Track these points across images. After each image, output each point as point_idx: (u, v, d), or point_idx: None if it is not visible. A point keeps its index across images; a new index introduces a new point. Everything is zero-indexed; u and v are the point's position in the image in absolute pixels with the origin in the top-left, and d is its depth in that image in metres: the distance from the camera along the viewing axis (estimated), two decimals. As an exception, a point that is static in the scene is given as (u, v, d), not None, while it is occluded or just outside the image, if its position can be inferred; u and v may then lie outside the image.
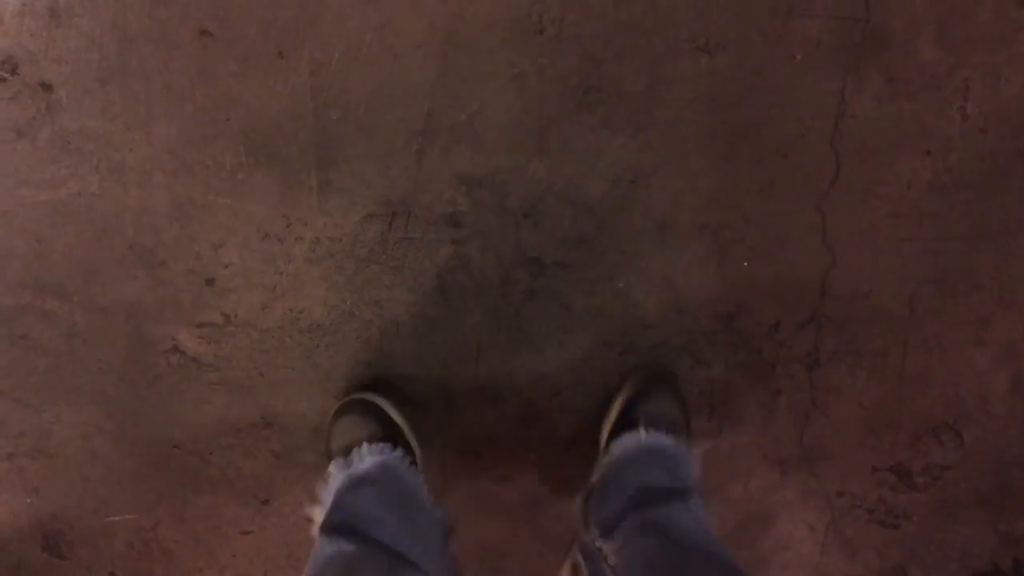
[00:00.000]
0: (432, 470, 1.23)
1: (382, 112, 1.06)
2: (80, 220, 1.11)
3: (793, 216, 1.13)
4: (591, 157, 1.10)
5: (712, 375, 1.24)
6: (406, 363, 1.21)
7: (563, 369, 1.23)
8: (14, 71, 1.02)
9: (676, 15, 1.01)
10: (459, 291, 1.18)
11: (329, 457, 1.16)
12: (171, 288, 1.16)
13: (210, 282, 1.16)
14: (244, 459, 1.28)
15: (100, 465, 1.29)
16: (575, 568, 1.14)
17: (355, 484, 1.05)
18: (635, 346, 1.21)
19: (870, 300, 1.18)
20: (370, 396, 1.18)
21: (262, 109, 1.06)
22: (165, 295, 1.16)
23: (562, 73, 1.05)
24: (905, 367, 1.23)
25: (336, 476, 1.09)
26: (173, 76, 1.03)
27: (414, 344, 1.20)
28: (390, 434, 1.16)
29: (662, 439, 1.11)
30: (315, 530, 1.02)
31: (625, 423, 1.16)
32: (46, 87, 1.03)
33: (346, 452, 1.11)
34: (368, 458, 1.09)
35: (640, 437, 1.11)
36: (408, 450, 1.15)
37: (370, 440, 1.12)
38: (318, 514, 1.05)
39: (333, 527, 0.98)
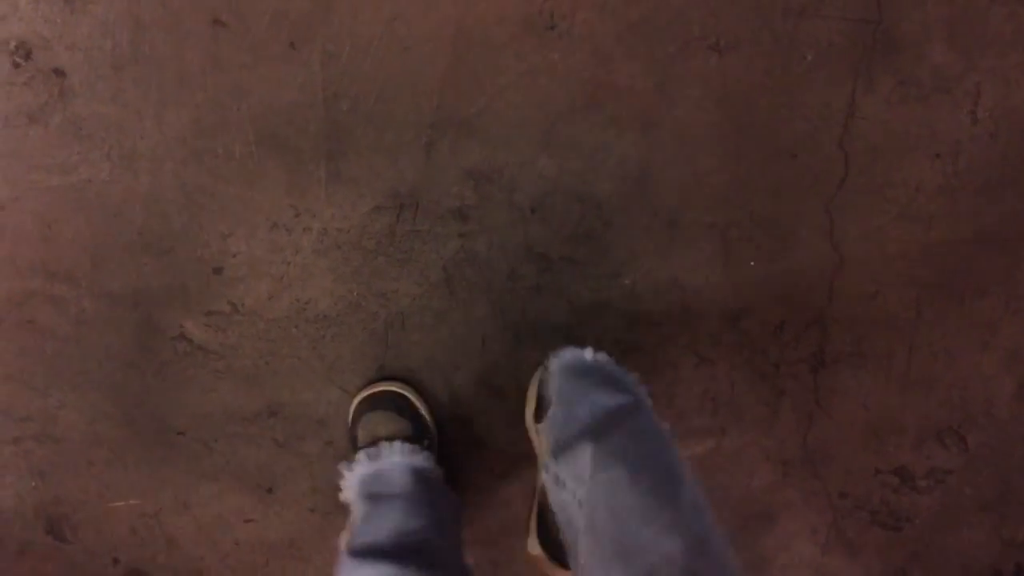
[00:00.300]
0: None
1: (392, 105, 1.07)
2: (90, 206, 1.12)
3: (801, 217, 1.13)
4: (599, 154, 1.10)
5: (716, 374, 1.24)
6: (411, 355, 1.22)
7: (567, 365, 1.24)
8: (28, 57, 1.03)
9: (687, 14, 1.01)
10: (465, 285, 1.18)
11: (354, 442, 1.18)
12: (179, 276, 1.16)
13: (218, 271, 1.16)
14: (248, 447, 1.28)
15: (105, 450, 1.29)
16: (543, 492, 1.15)
17: (382, 498, 1.06)
18: (640, 343, 1.21)
19: (876, 302, 1.18)
20: (398, 387, 1.20)
21: (273, 99, 1.06)
22: (173, 283, 1.17)
23: (572, 69, 1.05)
24: (910, 370, 1.23)
25: (363, 463, 1.09)
26: (185, 65, 1.04)
27: (420, 337, 1.21)
28: (417, 428, 1.18)
29: (604, 357, 1.08)
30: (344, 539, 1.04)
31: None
32: (59, 73, 1.04)
33: (374, 443, 1.13)
34: (397, 458, 1.10)
35: (584, 354, 1.08)
36: (430, 440, 1.19)
37: (399, 437, 1.14)
38: (351, 496, 1.08)
39: (364, 550, 0.98)
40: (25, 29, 1.01)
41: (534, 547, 1.20)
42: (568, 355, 1.09)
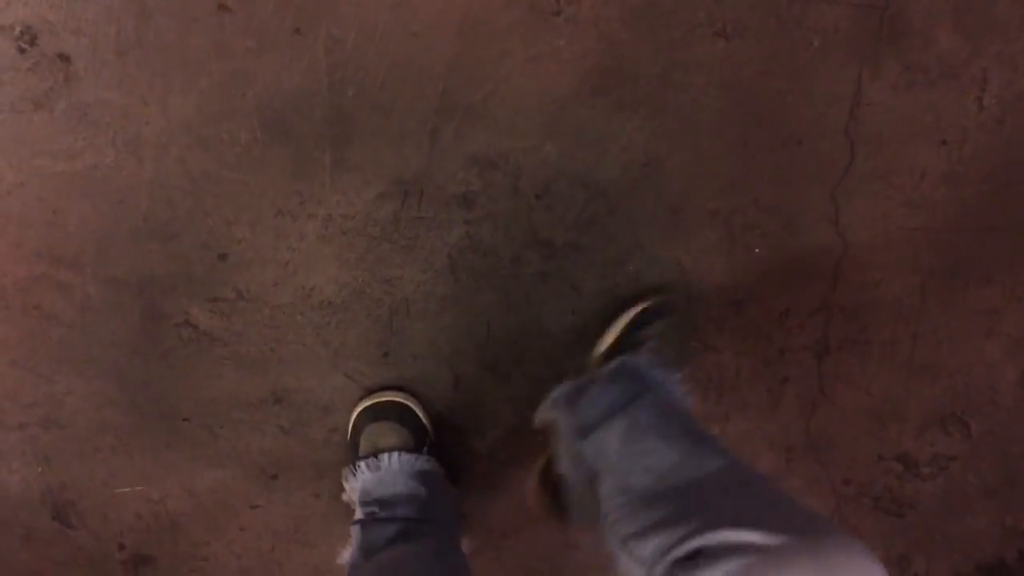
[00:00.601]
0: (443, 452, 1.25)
1: (397, 91, 1.07)
2: (95, 192, 1.12)
3: (806, 203, 1.13)
4: (605, 140, 1.10)
5: (721, 360, 1.24)
6: (416, 342, 1.22)
7: (573, 352, 1.24)
8: (33, 42, 1.03)
9: (694, -1, 1.01)
10: (470, 271, 1.18)
11: (355, 451, 1.20)
12: (184, 262, 1.16)
13: (223, 257, 1.17)
14: (253, 434, 1.29)
15: (111, 436, 1.30)
16: (545, 470, 1.17)
17: (383, 504, 1.09)
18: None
19: (881, 289, 1.18)
20: (400, 397, 1.22)
21: (278, 85, 1.06)
22: (178, 269, 1.17)
23: (578, 55, 1.05)
24: (914, 357, 1.23)
25: (364, 473, 1.13)
26: (190, 51, 1.04)
27: (424, 323, 1.21)
28: (417, 436, 1.20)
29: (659, 371, 1.09)
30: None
31: (629, 339, 1.16)
32: (64, 58, 1.04)
33: (375, 454, 1.15)
34: (397, 468, 1.13)
35: (639, 362, 1.09)
36: (429, 443, 1.21)
37: (400, 448, 1.16)
38: (354, 499, 1.13)
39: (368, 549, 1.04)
40: (30, 14, 1.01)
41: (533, 483, 1.23)
42: (626, 363, 1.10)
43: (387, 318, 1.21)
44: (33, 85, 1.05)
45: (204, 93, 1.06)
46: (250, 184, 1.12)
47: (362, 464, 1.14)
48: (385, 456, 1.14)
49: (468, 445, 1.32)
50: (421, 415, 1.23)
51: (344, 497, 1.18)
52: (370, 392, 1.24)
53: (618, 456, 0.94)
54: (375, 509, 1.08)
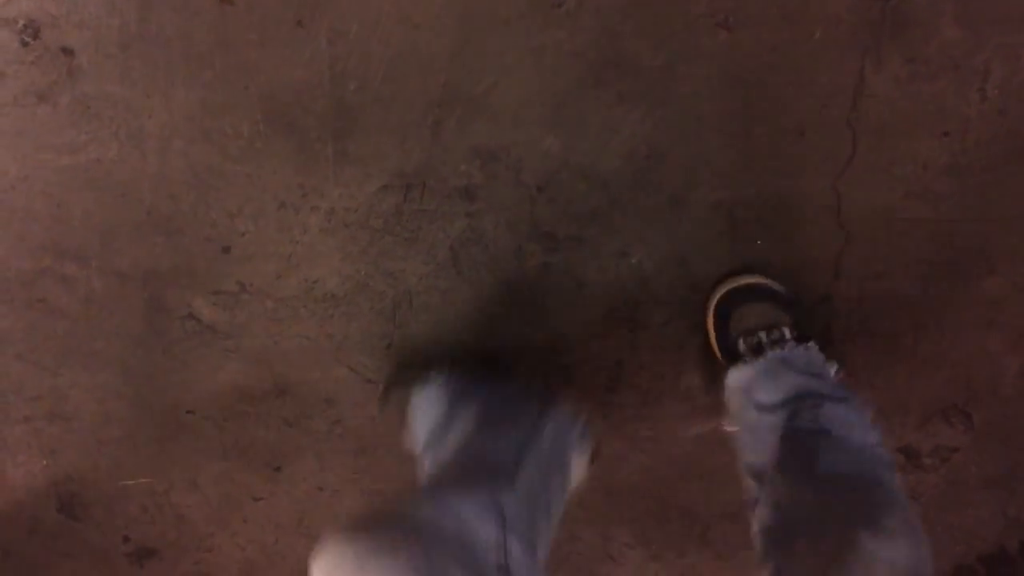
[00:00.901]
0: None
1: (399, 83, 1.07)
2: (99, 185, 1.12)
3: (808, 195, 1.13)
4: (607, 132, 1.10)
5: (723, 353, 1.24)
6: (418, 334, 1.22)
7: (574, 344, 1.24)
8: (36, 35, 1.03)
9: (696, -10, 1.01)
10: (472, 264, 1.18)
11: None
12: (188, 255, 1.17)
13: (226, 250, 1.17)
14: (257, 426, 1.29)
15: (115, 429, 1.30)
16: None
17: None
18: (647, 322, 1.22)
19: (883, 281, 1.18)
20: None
21: (280, 78, 1.06)
22: (181, 262, 1.17)
23: (579, 47, 1.05)
24: (917, 348, 1.23)
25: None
26: (193, 43, 1.04)
27: (427, 316, 1.21)
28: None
29: (767, 358, 1.09)
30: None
31: (726, 345, 1.16)
32: (67, 52, 1.04)
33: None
34: None
35: (740, 371, 1.10)
36: None
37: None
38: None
39: None
40: (33, 7, 1.01)
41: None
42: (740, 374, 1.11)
43: (390, 310, 1.21)
44: (36, 79, 1.05)
45: (207, 86, 1.06)
46: (253, 177, 1.12)
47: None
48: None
49: (471, 437, 1.32)
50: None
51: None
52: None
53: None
54: None
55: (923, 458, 1.32)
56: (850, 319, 1.21)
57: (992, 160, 1.10)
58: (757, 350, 1.10)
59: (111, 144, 1.09)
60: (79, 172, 1.11)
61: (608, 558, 1.43)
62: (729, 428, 1.15)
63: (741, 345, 1.12)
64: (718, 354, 1.19)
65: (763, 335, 1.11)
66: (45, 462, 1.34)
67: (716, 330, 1.17)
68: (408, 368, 1.20)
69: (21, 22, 1.02)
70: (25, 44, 1.03)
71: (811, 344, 1.10)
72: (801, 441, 0.99)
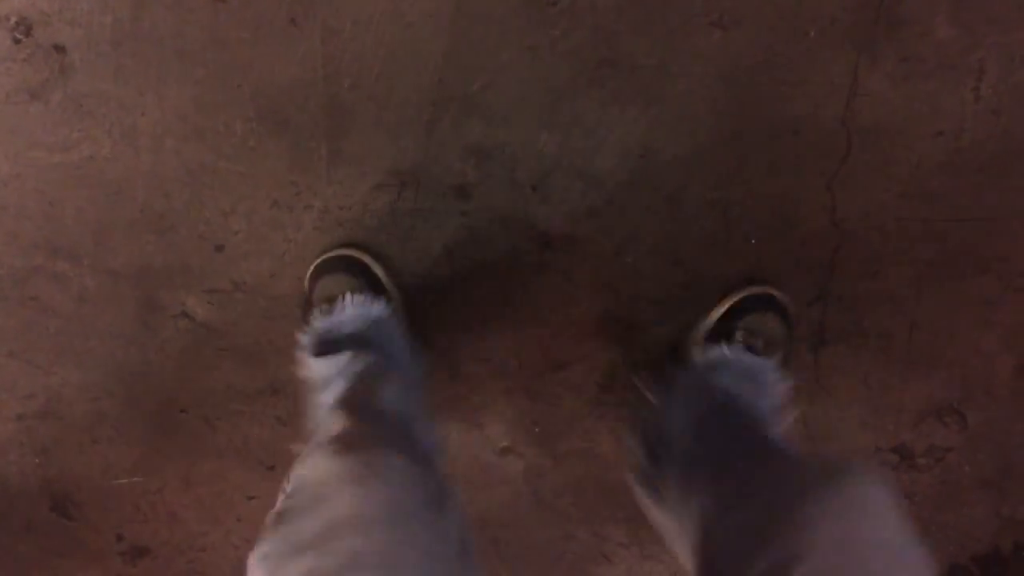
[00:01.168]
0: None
1: (393, 81, 1.06)
2: (92, 183, 1.12)
3: (802, 194, 1.12)
4: (601, 131, 1.09)
5: (717, 352, 1.24)
6: (413, 333, 1.22)
7: (569, 343, 1.24)
8: (28, 33, 1.03)
9: (690, -11, 1.01)
10: (466, 263, 1.18)
11: (308, 308, 1.13)
12: (181, 253, 1.17)
13: (219, 248, 1.17)
14: (250, 425, 1.29)
15: (108, 427, 1.30)
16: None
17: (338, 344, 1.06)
18: (641, 321, 1.22)
19: (877, 280, 1.18)
20: (353, 252, 1.15)
21: (273, 76, 1.06)
22: (175, 260, 1.17)
23: (574, 46, 1.04)
24: (911, 348, 1.23)
25: (318, 319, 1.07)
26: (185, 41, 1.04)
27: (421, 314, 1.21)
28: (374, 287, 1.14)
29: (753, 359, 1.09)
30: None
31: (722, 330, 1.14)
32: (59, 49, 1.04)
33: (330, 301, 1.09)
34: (351, 310, 1.08)
35: (724, 350, 1.09)
36: (388, 299, 1.14)
37: (354, 291, 1.10)
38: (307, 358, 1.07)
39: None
40: (25, 4, 1.01)
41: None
42: (712, 353, 1.10)
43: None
44: (28, 76, 1.05)
45: (200, 84, 1.06)
46: (246, 175, 1.12)
47: (315, 311, 1.08)
48: (339, 299, 1.08)
49: (464, 436, 1.32)
50: (380, 274, 1.16)
51: (301, 372, 1.09)
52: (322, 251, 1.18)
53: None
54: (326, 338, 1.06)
55: (917, 458, 1.32)
56: (844, 318, 1.21)
57: (986, 159, 1.10)
58: (748, 349, 1.10)
59: (104, 142, 1.09)
60: (71, 170, 1.11)
61: (602, 557, 1.43)
62: (646, 391, 1.17)
63: (737, 335, 1.11)
64: (701, 333, 1.18)
65: (761, 343, 1.11)
66: (38, 460, 1.33)
67: (728, 310, 1.15)
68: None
69: (13, 19, 1.02)
70: (17, 41, 1.03)
71: (787, 379, 1.12)
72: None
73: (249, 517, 1.37)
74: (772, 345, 1.12)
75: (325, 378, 1.02)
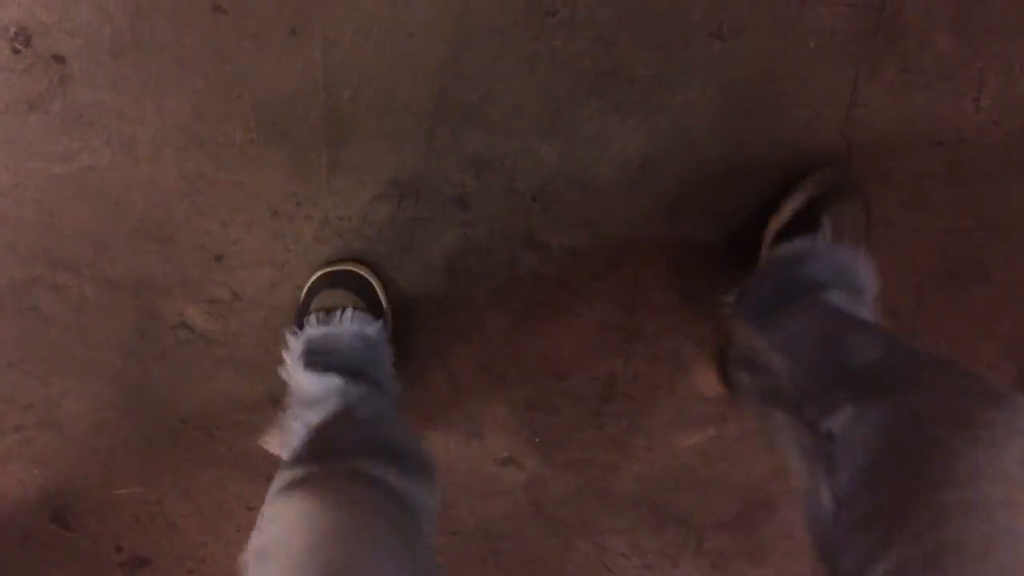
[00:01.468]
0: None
1: (393, 92, 1.06)
2: (91, 194, 1.12)
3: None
4: (601, 141, 1.09)
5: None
6: (412, 343, 1.22)
7: (569, 353, 1.24)
8: (27, 43, 1.03)
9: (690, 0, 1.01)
10: (466, 273, 1.18)
11: (301, 316, 1.12)
12: (180, 263, 1.16)
13: (219, 258, 1.16)
14: (250, 435, 1.29)
15: (107, 438, 1.30)
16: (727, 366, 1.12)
17: (328, 360, 1.04)
18: (642, 332, 1.21)
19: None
20: (363, 270, 1.16)
21: (273, 87, 1.06)
22: (174, 270, 1.17)
23: (574, 56, 1.04)
24: (912, 358, 1.23)
25: (313, 326, 1.06)
26: (185, 51, 1.04)
27: (421, 324, 1.21)
28: (375, 312, 1.13)
29: (847, 253, 1.00)
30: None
31: (801, 226, 1.05)
32: (59, 60, 1.04)
33: (327, 312, 1.09)
34: (348, 325, 1.07)
35: (814, 240, 1.01)
36: (384, 322, 1.14)
37: (354, 307, 1.10)
38: (291, 361, 1.06)
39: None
40: (24, 15, 1.01)
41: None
42: (799, 244, 1.02)
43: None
44: (28, 86, 1.05)
45: (199, 94, 1.06)
46: (246, 186, 1.12)
47: (311, 317, 1.07)
48: (338, 311, 1.08)
49: (464, 446, 1.32)
50: (381, 295, 1.16)
51: (281, 372, 1.08)
52: (329, 263, 1.17)
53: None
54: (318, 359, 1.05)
55: (918, 468, 1.31)
56: (845, 329, 1.21)
57: (986, 170, 1.10)
58: (836, 235, 1.02)
59: (103, 152, 1.09)
60: (71, 180, 1.11)
61: (603, 568, 1.43)
62: (728, 298, 1.09)
63: (825, 222, 1.03)
64: (775, 227, 1.09)
65: (847, 234, 1.03)
66: (37, 471, 1.33)
67: (807, 204, 1.06)
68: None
69: (12, 30, 1.02)
70: (16, 52, 1.03)
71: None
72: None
73: (249, 527, 1.35)
74: (857, 236, 1.04)
75: (311, 396, 1.01)
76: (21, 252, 1.15)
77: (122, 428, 1.29)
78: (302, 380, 1.02)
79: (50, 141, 1.08)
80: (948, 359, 0.80)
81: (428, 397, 1.27)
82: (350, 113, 1.08)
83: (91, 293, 1.18)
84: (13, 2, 1.00)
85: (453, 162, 1.11)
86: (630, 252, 1.16)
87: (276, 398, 1.25)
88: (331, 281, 1.13)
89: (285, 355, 1.06)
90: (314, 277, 1.15)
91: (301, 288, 1.17)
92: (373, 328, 1.08)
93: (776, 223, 1.09)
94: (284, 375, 1.06)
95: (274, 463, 1.30)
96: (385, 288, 1.17)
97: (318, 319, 1.07)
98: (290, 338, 1.07)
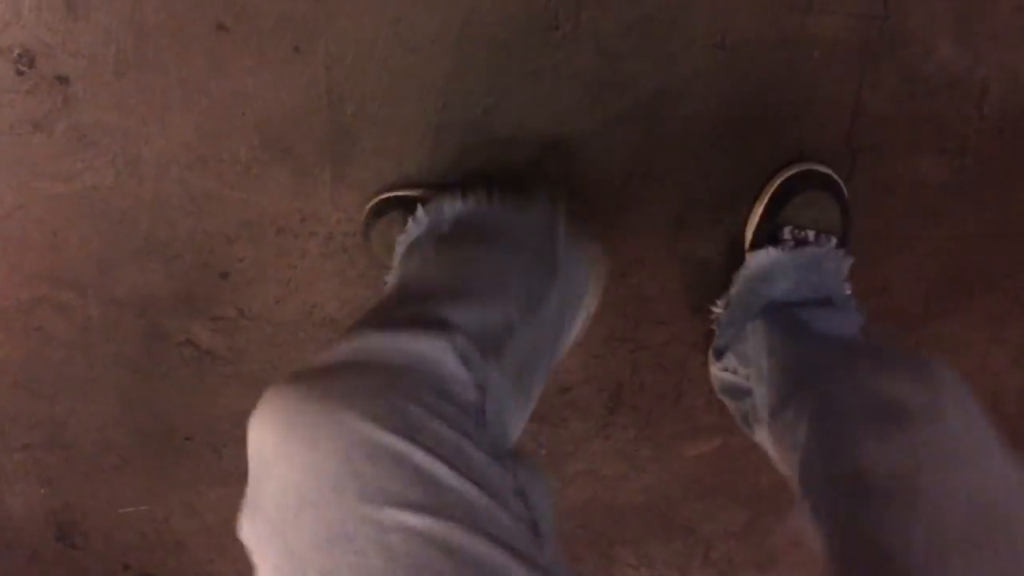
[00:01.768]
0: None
1: (397, 107, 1.06)
2: (96, 213, 1.11)
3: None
4: (605, 153, 1.09)
5: (724, 372, 1.24)
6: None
7: (574, 366, 1.24)
8: (31, 64, 1.03)
9: (692, 11, 1.01)
10: (472, 286, 1.18)
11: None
12: (185, 281, 1.16)
13: (224, 276, 1.16)
14: (257, 452, 1.28)
15: (114, 456, 1.29)
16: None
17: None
18: (647, 343, 1.21)
19: (884, 297, 1.18)
20: (412, 192, 1.07)
21: (277, 104, 1.06)
22: (179, 288, 1.17)
23: (576, 69, 1.04)
24: (919, 366, 1.23)
25: (417, 227, 0.94)
26: (189, 70, 1.04)
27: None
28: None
29: (805, 252, 1.03)
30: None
31: (768, 230, 1.07)
32: (63, 80, 1.04)
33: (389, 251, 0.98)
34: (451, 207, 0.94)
35: (771, 255, 1.03)
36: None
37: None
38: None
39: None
40: (28, 36, 1.01)
41: None
42: (760, 256, 1.05)
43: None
44: (32, 107, 1.05)
45: (203, 112, 1.06)
46: (251, 202, 1.11)
47: (411, 222, 0.94)
48: (430, 206, 0.95)
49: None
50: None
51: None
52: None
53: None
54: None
55: (927, 475, 1.31)
56: (851, 337, 1.21)
57: (991, 177, 1.10)
58: (800, 243, 1.04)
59: (107, 172, 1.09)
60: (75, 200, 1.11)
61: (611, 579, 1.43)
62: (716, 309, 1.12)
63: (785, 233, 1.05)
64: (748, 237, 1.11)
65: (811, 234, 1.05)
66: (43, 490, 1.33)
67: (767, 209, 1.08)
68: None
69: (16, 51, 1.02)
70: (20, 73, 1.03)
71: (849, 256, 1.05)
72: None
73: (256, 544, 1.37)
74: (827, 227, 1.06)
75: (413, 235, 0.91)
76: (26, 272, 1.15)
77: (128, 446, 1.28)
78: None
79: (54, 161, 1.08)
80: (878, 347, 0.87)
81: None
82: (354, 128, 1.08)
83: (96, 312, 1.18)
84: (16, 24, 1.00)
85: (457, 176, 1.11)
86: (636, 263, 1.16)
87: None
88: (386, 208, 1.05)
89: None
90: (367, 208, 1.08)
91: (308, 304, 1.17)
92: (463, 204, 0.94)
93: (749, 230, 1.11)
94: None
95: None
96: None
97: (416, 224, 0.94)
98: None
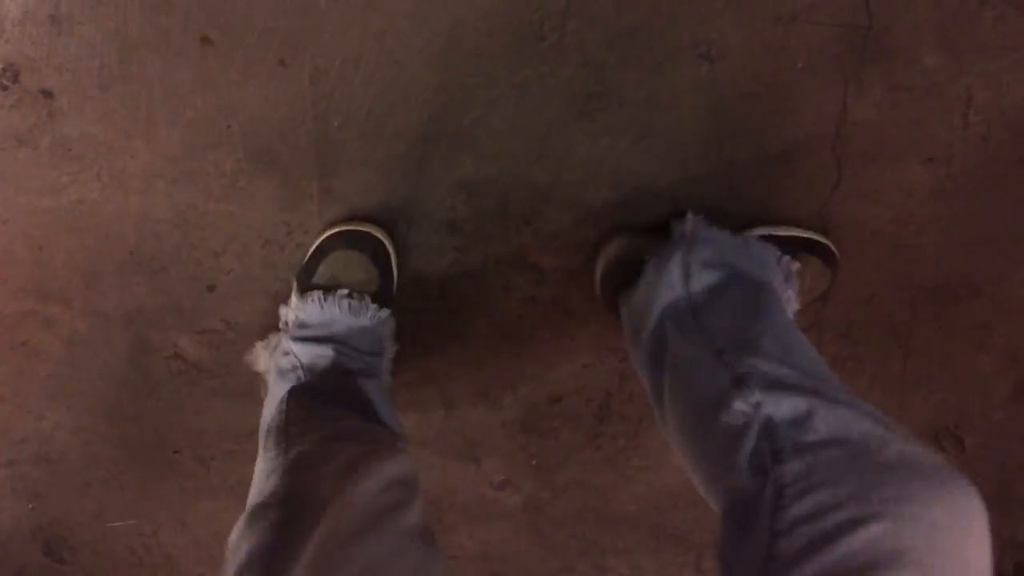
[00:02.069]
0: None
1: (383, 119, 1.06)
2: (81, 227, 1.11)
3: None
4: (592, 164, 1.09)
5: (713, 381, 1.24)
6: (409, 370, 1.21)
7: (565, 375, 1.23)
8: (15, 79, 1.02)
9: (678, 22, 1.01)
10: (460, 298, 1.18)
11: (308, 273, 1.09)
12: (172, 294, 1.16)
13: (211, 288, 1.16)
14: (245, 465, 1.28)
15: (101, 471, 1.29)
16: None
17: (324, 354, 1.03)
18: (636, 352, 1.21)
19: (871, 305, 1.18)
20: (383, 235, 1.11)
21: (263, 116, 1.05)
22: (166, 301, 1.16)
23: (563, 80, 1.04)
24: (906, 372, 1.23)
25: (311, 304, 1.05)
26: (174, 83, 1.03)
27: (415, 350, 1.20)
28: (383, 287, 1.10)
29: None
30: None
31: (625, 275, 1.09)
32: (47, 94, 1.03)
33: (332, 286, 1.07)
34: (343, 314, 1.05)
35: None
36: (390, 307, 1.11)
37: (363, 291, 1.07)
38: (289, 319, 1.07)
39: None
40: (11, 51, 1.01)
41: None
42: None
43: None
44: (16, 122, 1.04)
45: (189, 126, 1.06)
46: (237, 215, 1.11)
47: (316, 295, 1.05)
48: (334, 293, 1.05)
49: (461, 470, 1.31)
50: (394, 265, 1.12)
51: (282, 314, 1.09)
52: (347, 220, 1.12)
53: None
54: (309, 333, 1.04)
55: (916, 482, 1.31)
56: (839, 344, 1.21)
57: (976, 185, 1.10)
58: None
59: (93, 185, 1.09)
60: (61, 214, 1.10)
61: (603, 588, 1.42)
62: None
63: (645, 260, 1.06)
64: None
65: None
66: (31, 506, 1.32)
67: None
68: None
69: (0, 66, 1.01)
70: (4, 88, 1.02)
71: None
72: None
73: (245, 557, 1.36)
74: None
75: (294, 367, 1.03)
76: (12, 286, 1.15)
77: (115, 460, 1.28)
78: (294, 350, 1.04)
79: (39, 176, 1.08)
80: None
81: (424, 422, 1.26)
82: (340, 141, 1.07)
83: (83, 326, 1.18)
84: (0, 38, 1.00)
85: (444, 187, 1.10)
86: (623, 273, 1.16)
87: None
88: (347, 241, 1.09)
89: (283, 311, 1.09)
90: (330, 232, 1.10)
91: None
92: (370, 317, 1.06)
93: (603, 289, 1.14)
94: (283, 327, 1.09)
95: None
96: (397, 254, 1.13)
97: (314, 300, 1.05)
98: (290, 303, 1.08)
